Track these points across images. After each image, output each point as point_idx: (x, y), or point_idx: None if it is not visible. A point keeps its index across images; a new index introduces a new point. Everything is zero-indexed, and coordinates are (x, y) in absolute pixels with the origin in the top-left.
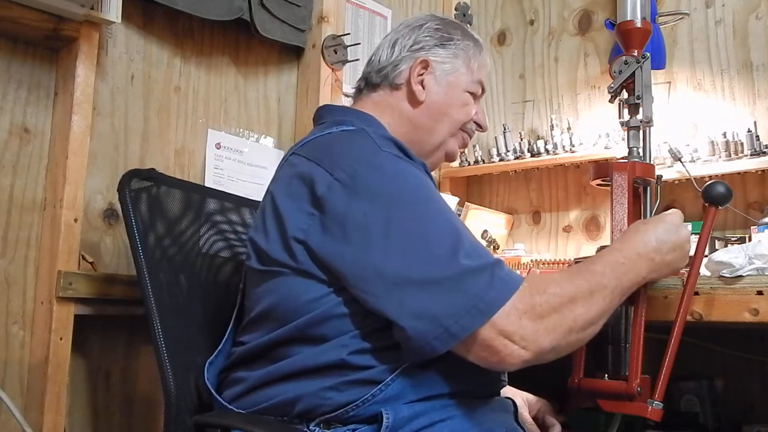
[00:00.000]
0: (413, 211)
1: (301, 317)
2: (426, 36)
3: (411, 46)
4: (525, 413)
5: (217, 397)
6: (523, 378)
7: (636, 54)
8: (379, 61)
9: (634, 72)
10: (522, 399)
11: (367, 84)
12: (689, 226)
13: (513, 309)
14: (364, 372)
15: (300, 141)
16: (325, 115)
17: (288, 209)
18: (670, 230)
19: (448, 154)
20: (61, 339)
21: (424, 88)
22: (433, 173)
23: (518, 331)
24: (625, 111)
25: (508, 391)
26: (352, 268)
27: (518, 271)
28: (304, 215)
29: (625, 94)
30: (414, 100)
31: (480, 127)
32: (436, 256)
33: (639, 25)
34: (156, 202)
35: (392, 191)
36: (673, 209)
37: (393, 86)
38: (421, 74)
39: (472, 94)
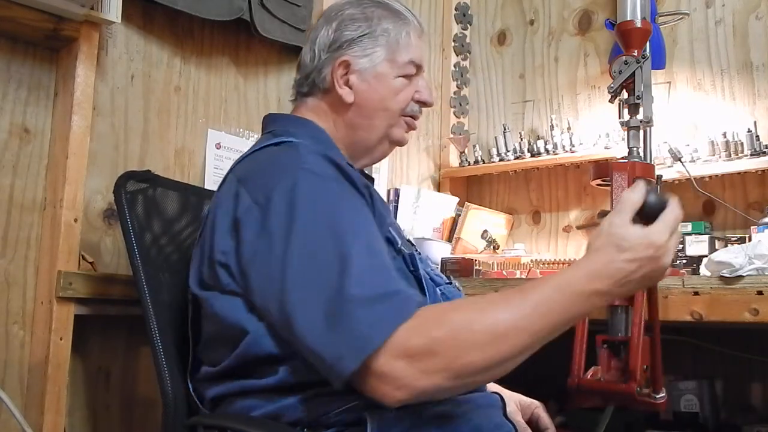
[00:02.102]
0: (309, 242)
1: (245, 338)
2: (343, 31)
3: (329, 46)
4: (518, 417)
5: (202, 408)
6: (523, 378)
7: (636, 54)
8: (304, 67)
9: (634, 72)
10: (515, 402)
11: (299, 92)
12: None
13: (387, 349)
14: None
15: (244, 153)
16: (269, 124)
17: (218, 231)
18: (625, 258)
19: (394, 142)
20: (61, 339)
21: (351, 88)
22: (432, 174)
23: (391, 372)
24: (625, 111)
25: (503, 393)
26: (259, 299)
27: (518, 272)
28: (227, 238)
29: (625, 94)
30: (343, 103)
31: (425, 103)
32: (323, 295)
33: (639, 25)
34: (152, 204)
35: (297, 218)
36: (668, 206)
37: (323, 91)
38: (345, 75)
39: (405, 76)
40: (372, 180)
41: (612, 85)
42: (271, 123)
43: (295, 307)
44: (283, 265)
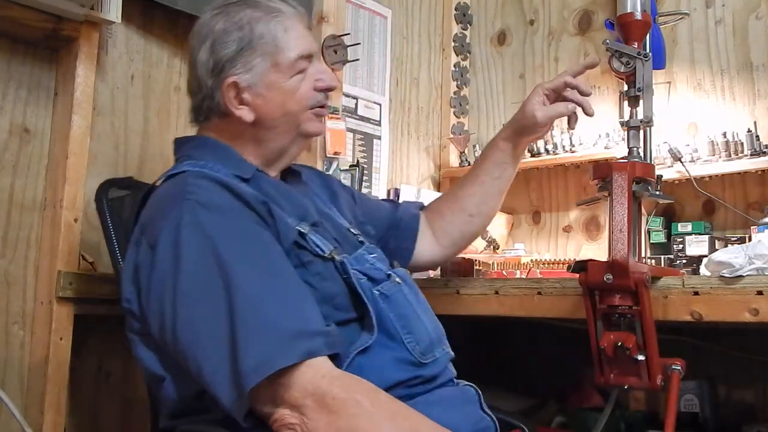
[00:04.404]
0: (196, 284)
1: (164, 383)
2: (220, 51)
3: (212, 70)
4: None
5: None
6: (523, 378)
7: (636, 46)
8: (194, 94)
9: (635, 65)
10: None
11: (197, 120)
12: None
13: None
14: None
15: (147, 197)
16: (176, 149)
17: (123, 279)
18: None
19: (309, 135)
20: (61, 339)
21: (248, 105)
22: (432, 174)
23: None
24: (626, 111)
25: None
26: (160, 342)
27: (523, 272)
28: (130, 285)
29: (625, 87)
30: (244, 123)
31: (328, 89)
32: (213, 342)
33: (639, 17)
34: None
35: (182, 258)
36: None
37: (220, 115)
38: (237, 95)
39: (298, 72)
40: (299, 174)
41: (608, 42)
42: (177, 149)
43: (187, 353)
44: (173, 314)
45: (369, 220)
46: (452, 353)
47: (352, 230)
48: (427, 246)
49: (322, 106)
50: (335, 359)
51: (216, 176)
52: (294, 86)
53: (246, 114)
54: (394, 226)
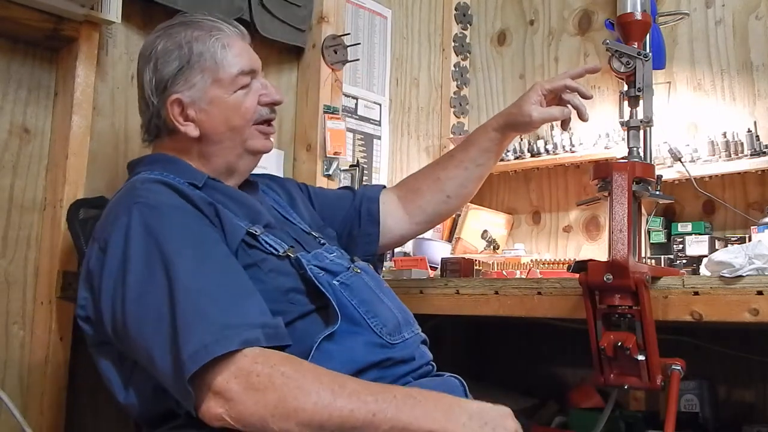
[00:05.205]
0: (142, 281)
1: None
2: (162, 69)
3: (156, 89)
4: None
5: None
6: (523, 378)
7: (636, 46)
8: (142, 113)
9: (635, 65)
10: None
11: (148, 139)
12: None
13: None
14: None
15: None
16: (130, 171)
17: (79, 288)
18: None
19: (255, 152)
20: (61, 339)
21: (194, 122)
22: None
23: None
24: (626, 111)
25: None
26: (116, 341)
27: (522, 273)
28: (83, 291)
29: (625, 87)
30: (191, 139)
31: (273, 103)
32: (159, 335)
33: (639, 17)
34: None
35: (131, 257)
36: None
37: (168, 133)
38: (182, 112)
39: (241, 87)
40: (256, 185)
41: (608, 42)
42: (131, 170)
43: (139, 347)
44: (123, 310)
45: (329, 221)
46: (424, 336)
47: (313, 233)
48: (397, 223)
49: (268, 121)
50: (287, 350)
51: (164, 179)
52: (237, 101)
53: (191, 130)
54: (354, 216)
